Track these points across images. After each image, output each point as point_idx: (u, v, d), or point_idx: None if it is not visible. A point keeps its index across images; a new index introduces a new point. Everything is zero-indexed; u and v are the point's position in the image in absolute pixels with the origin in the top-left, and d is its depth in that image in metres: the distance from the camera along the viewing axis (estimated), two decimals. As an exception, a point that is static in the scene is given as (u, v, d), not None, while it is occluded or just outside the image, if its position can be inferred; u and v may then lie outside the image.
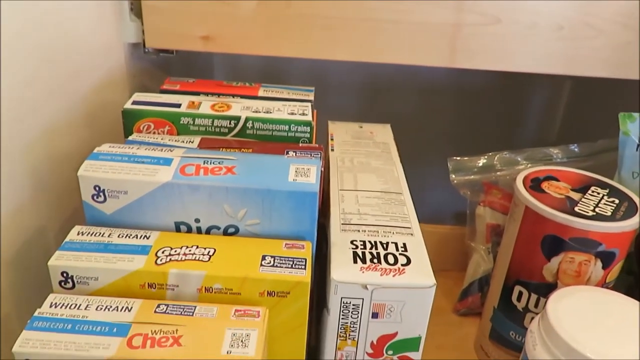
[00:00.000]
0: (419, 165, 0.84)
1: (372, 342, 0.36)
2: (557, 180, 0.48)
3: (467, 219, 0.63)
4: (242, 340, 0.29)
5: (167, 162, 0.36)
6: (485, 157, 0.60)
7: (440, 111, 0.85)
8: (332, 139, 0.54)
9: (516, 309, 0.48)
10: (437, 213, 0.81)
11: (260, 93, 0.51)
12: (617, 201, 0.46)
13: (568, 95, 0.84)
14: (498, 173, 0.59)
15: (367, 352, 0.37)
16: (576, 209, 0.44)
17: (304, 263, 0.33)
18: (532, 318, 0.47)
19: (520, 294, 0.48)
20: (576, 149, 0.60)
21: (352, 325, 0.36)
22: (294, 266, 0.33)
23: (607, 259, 0.44)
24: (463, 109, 0.84)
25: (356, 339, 0.36)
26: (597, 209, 0.44)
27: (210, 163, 0.36)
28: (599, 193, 0.47)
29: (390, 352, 0.37)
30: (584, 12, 0.51)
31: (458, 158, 0.61)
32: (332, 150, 0.52)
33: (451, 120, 0.85)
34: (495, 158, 0.60)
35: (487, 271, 0.59)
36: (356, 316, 0.35)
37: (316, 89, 0.62)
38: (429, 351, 0.56)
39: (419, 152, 0.84)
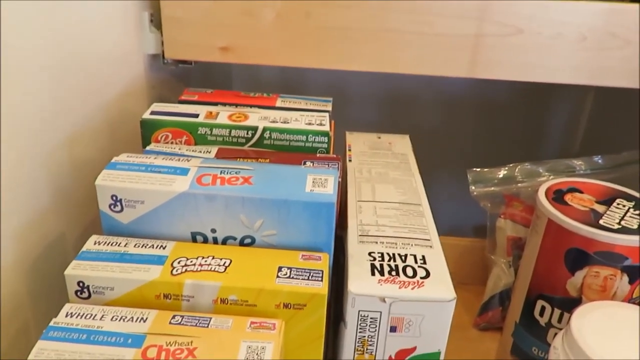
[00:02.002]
0: (440, 177, 0.83)
1: (391, 356, 0.36)
2: (580, 192, 0.47)
3: (487, 232, 0.62)
4: (257, 353, 0.29)
5: (184, 172, 0.36)
6: (506, 168, 0.59)
7: (462, 123, 0.84)
8: (349, 150, 0.53)
9: (539, 324, 0.47)
10: (458, 225, 0.80)
11: (278, 103, 0.51)
12: (643, 214, 0.44)
13: (591, 106, 0.83)
14: (519, 185, 0.58)
15: (385, 367, 0.36)
16: (601, 221, 0.43)
17: (320, 275, 0.33)
18: (556, 334, 0.46)
19: (543, 308, 0.46)
20: (600, 161, 0.58)
21: (369, 339, 0.35)
22: (310, 278, 0.32)
23: (633, 273, 0.42)
24: (484, 121, 0.84)
25: (374, 353, 0.36)
26: (622, 222, 0.43)
27: (227, 173, 0.36)
28: (624, 206, 0.45)
29: (408, 367, 0.36)
30: (608, 22, 0.50)
31: (478, 169, 0.60)
32: (350, 161, 0.51)
33: (472, 132, 0.84)
34: (516, 169, 0.59)
35: (507, 285, 0.58)
36: (374, 330, 0.35)
37: (335, 101, 0.62)
38: (449, 366, 0.54)
39: (440, 163, 0.83)
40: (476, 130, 0.84)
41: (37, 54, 0.35)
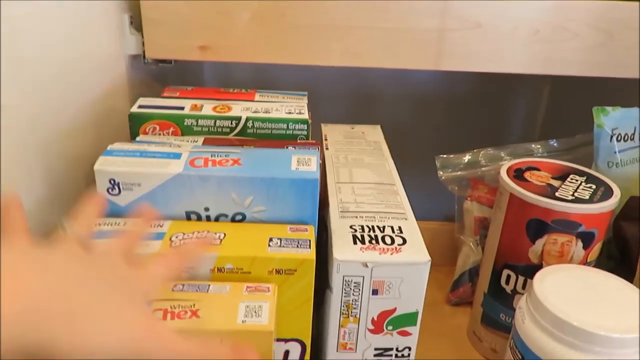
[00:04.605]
0: (410, 168, 0.87)
1: (373, 318, 0.39)
2: (538, 170, 0.52)
3: (455, 214, 0.66)
4: (255, 311, 0.32)
5: (177, 156, 0.39)
6: (471, 153, 0.63)
7: (429, 116, 0.88)
8: (326, 139, 0.57)
9: (505, 292, 0.51)
10: (428, 215, 0.84)
11: (257, 98, 0.54)
12: (594, 186, 0.49)
13: (548, 96, 0.88)
14: (483, 169, 0.63)
15: (368, 329, 0.39)
16: (557, 194, 0.47)
17: (308, 243, 0.36)
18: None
19: (509, 277, 0.51)
20: (555, 144, 0.63)
21: (353, 303, 0.38)
22: (299, 246, 0.36)
23: (587, 239, 0.47)
24: (451, 114, 0.88)
25: (358, 316, 0.39)
26: (576, 194, 0.47)
27: (217, 156, 0.39)
28: (577, 180, 0.50)
29: (390, 327, 0.39)
30: (558, 16, 0.55)
31: (445, 155, 0.64)
32: (327, 149, 0.54)
33: (439, 124, 0.89)
34: (480, 154, 0.63)
35: (476, 262, 0.62)
36: (357, 293, 0.38)
37: (307, 98, 0.65)
38: (424, 340, 0.57)
39: (410, 155, 0.86)
40: (443, 122, 0.88)
41: (25, 58, 0.38)
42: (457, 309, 0.64)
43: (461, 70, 0.58)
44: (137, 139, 0.46)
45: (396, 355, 0.41)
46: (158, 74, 0.69)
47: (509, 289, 0.51)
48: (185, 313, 0.31)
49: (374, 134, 0.58)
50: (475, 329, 0.57)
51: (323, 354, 0.42)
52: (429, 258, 0.37)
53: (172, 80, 0.74)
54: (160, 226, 0.37)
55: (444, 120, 0.88)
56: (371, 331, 0.39)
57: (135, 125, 0.47)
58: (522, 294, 0.50)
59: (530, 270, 0.49)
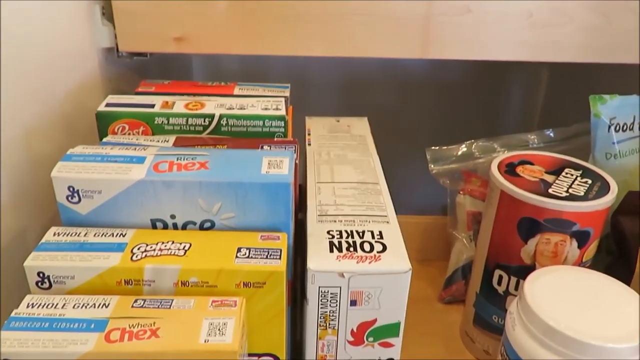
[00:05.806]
0: (403, 160, 0.85)
1: (352, 329, 0.37)
2: (531, 164, 0.49)
3: (447, 208, 0.63)
4: (219, 329, 0.29)
5: (140, 160, 0.36)
6: (464, 145, 0.61)
7: (421, 105, 0.85)
8: (309, 134, 0.54)
9: (497, 293, 0.49)
10: (423, 207, 0.81)
11: (236, 92, 0.51)
12: (590, 181, 0.46)
13: (546, 84, 0.85)
14: (476, 161, 0.60)
15: (348, 340, 0.37)
16: (550, 190, 0.45)
17: (279, 253, 0.34)
18: (513, 301, 0.48)
19: (501, 277, 0.48)
20: (551, 134, 0.60)
21: (331, 314, 0.36)
22: (269, 257, 0.33)
23: (582, 238, 0.44)
24: (444, 103, 0.85)
25: (336, 328, 0.37)
26: (570, 190, 0.45)
27: (183, 159, 0.37)
28: (572, 174, 0.47)
29: (370, 339, 0.37)
30: (552, -2, 0.52)
31: (436, 148, 0.61)
32: (309, 144, 0.52)
33: (433, 114, 0.86)
34: (473, 146, 0.60)
35: (469, 258, 0.60)
36: (335, 305, 0.36)
37: (296, 87, 0.62)
38: (415, 338, 0.56)
39: (402, 146, 0.84)
40: (436, 111, 0.86)
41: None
42: (450, 306, 0.62)
43: (450, 59, 0.55)
44: (105, 139, 0.43)
45: (379, 366, 0.39)
46: (138, 66, 0.66)
47: (501, 289, 0.49)
48: (145, 333, 0.29)
49: (360, 127, 0.56)
50: (468, 330, 0.54)
51: (302, 365, 0.40)
52: (410, 267, 0.35)
53: (157, 73, 0.72)
54: (123, 235, 0.35)
55: (439, 110, 0.85)
56: (351, 343, 0.37)
57: (103, 125, 0.44)
58: (515, 296, 0.48)
59: (522, 271, 0.46)
